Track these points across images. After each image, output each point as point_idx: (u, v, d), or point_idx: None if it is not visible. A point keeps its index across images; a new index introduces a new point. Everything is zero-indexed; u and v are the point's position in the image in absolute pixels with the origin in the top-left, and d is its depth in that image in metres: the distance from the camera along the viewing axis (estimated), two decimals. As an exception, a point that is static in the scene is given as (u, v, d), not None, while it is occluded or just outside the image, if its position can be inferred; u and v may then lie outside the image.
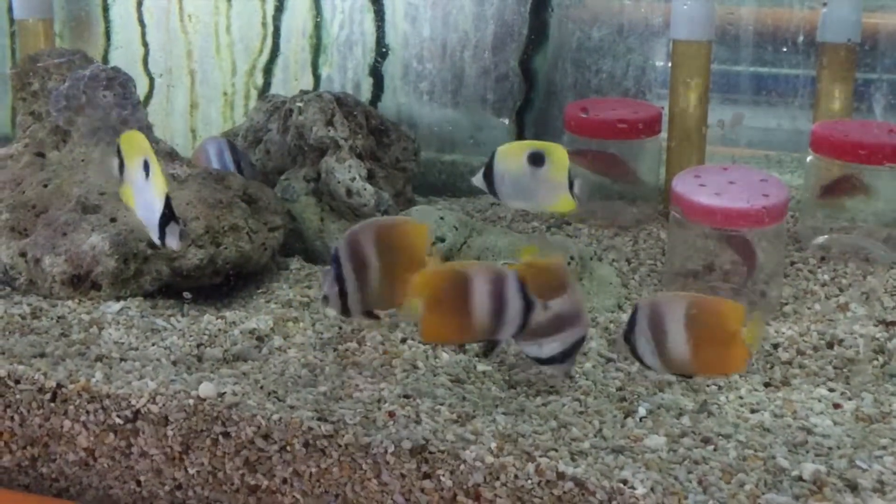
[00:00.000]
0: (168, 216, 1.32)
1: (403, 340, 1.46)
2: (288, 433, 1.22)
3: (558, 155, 1.36)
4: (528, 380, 1.36)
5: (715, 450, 1.19)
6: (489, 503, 1.15)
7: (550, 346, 1.28)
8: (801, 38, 1.94)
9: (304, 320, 1.53)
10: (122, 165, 1.35)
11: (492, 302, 1.19)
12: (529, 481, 1.13)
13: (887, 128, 1.70)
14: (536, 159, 1.35)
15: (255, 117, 1.99)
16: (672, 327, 1.21)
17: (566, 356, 1.29)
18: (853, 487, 1.11)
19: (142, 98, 2.15)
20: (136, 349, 1.43)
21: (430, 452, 1.17)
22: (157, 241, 1.34)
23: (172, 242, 1.33)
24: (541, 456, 1.15)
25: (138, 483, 1.31)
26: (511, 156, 1.37)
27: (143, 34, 2.29)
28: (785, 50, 1.96)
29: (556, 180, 1.36)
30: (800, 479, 1.13)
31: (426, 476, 1.17)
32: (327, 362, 1.40)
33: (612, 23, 2.03)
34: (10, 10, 2.25)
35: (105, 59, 2.31)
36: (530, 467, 1.13)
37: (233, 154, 1.76)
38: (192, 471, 1.28)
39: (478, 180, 1.39)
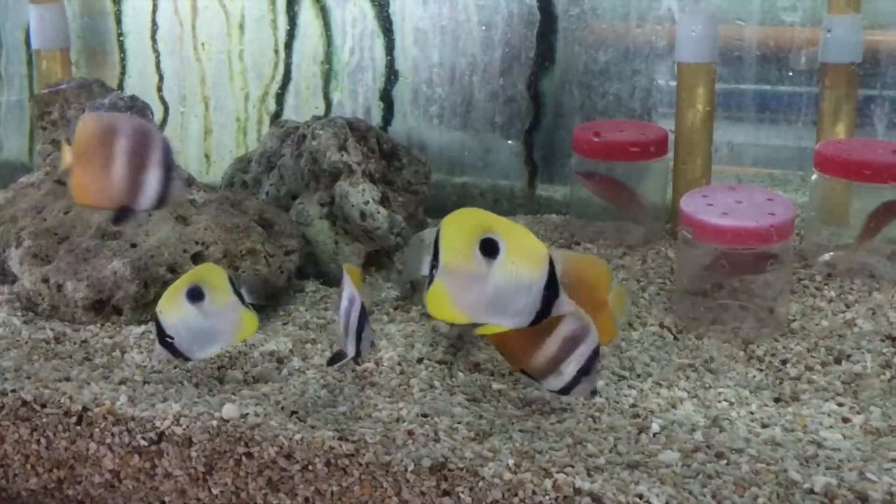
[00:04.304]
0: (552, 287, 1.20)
1: (420, 360, 1.49)
2: (310, 453, 1.25)
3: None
4: (543, 398, 1.39)
5: (728, 464, 1.21)
6: (508, 519, 1.17)
7: (569, 368, 1.29)
8: (803, 58, 1.97)
9: (322, 342, 1.56)
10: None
11: None
12: (547, 497, 1.15)
13: (890, 147, 1.73)
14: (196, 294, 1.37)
15: (269, 143, 2.01)
16: None
17: (585, 372, 1.29)
18: (864, 499, 1.14)
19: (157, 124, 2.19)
20: (159, 372, 1.46)
21: (450, 470, 1.19)
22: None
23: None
24: (558, 472, 1.17)
25: (163, 503, 1.34)
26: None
27: (158, 62, 2.33)
28: (789, 70, 1.99)
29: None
30: (811, 491, 1.15)
31: (446, 493, 1.19)
32: (346, 383, 1.43)
33: (617, 46, 2.07)
34: (27, 39, 2.30)
35: (120, 87, 2.35)
36: (548, 483, 1.16)
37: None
38: (215, 491, 1.30)
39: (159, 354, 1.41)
